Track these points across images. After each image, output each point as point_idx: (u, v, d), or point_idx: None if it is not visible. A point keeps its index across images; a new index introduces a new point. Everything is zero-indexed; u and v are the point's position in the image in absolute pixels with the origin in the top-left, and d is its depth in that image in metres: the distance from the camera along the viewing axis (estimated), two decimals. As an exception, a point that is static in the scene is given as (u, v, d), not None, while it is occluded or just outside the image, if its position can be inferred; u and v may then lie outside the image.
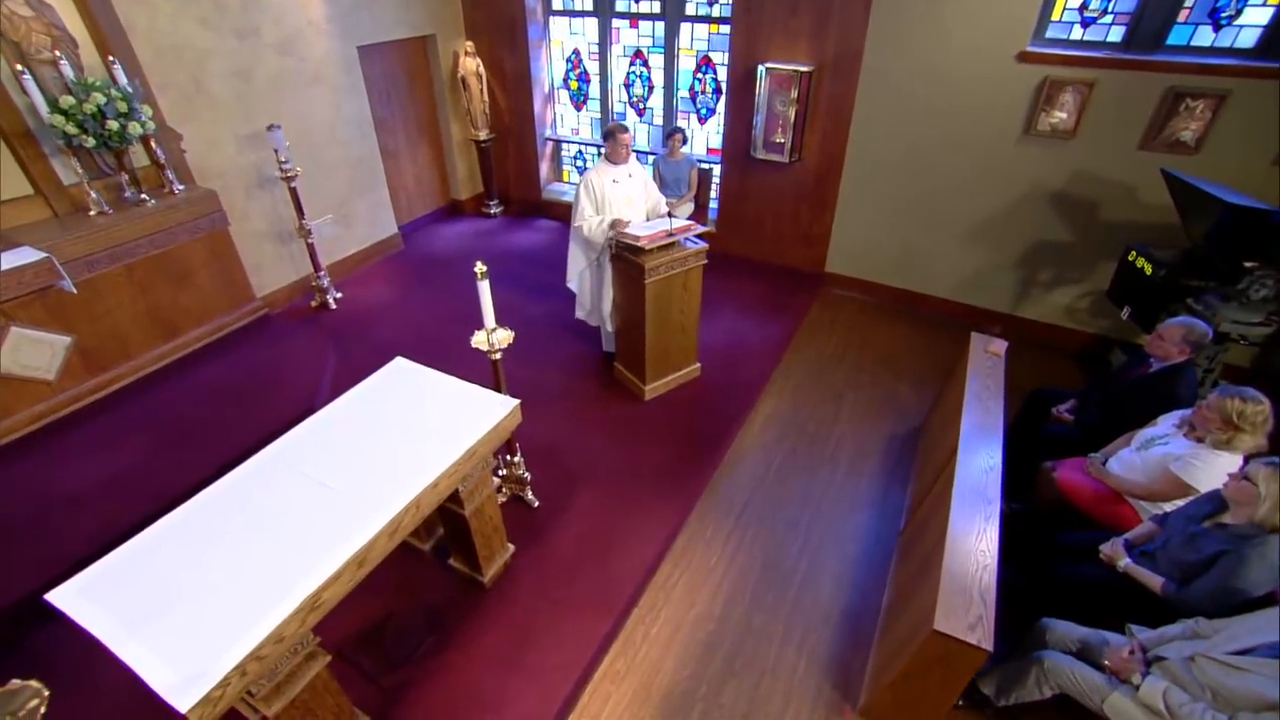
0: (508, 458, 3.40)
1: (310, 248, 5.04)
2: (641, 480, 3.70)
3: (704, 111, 6.02)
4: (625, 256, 3.87)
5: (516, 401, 2.73)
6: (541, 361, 4.69)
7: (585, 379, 4.54)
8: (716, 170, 5.95)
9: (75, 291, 3.47)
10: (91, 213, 3.74)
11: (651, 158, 5.79)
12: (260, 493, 2.30)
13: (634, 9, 5.84)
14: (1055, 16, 4.35)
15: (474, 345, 2.91)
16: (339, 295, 5.39)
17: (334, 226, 5.49)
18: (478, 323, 2.89)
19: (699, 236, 3.98)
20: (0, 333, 3.38)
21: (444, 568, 3.14)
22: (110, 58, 3.66)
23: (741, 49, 5.21)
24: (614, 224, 3.93)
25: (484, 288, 2.79)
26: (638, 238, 3.72)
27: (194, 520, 2.18)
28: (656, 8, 5.71)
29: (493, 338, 2.90)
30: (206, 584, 1.95)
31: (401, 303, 5.46)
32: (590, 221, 4.05)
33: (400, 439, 2.52)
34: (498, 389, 3.07)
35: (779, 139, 5.24)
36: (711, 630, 3.05)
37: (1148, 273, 3.91)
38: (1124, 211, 4.47)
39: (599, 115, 6.55)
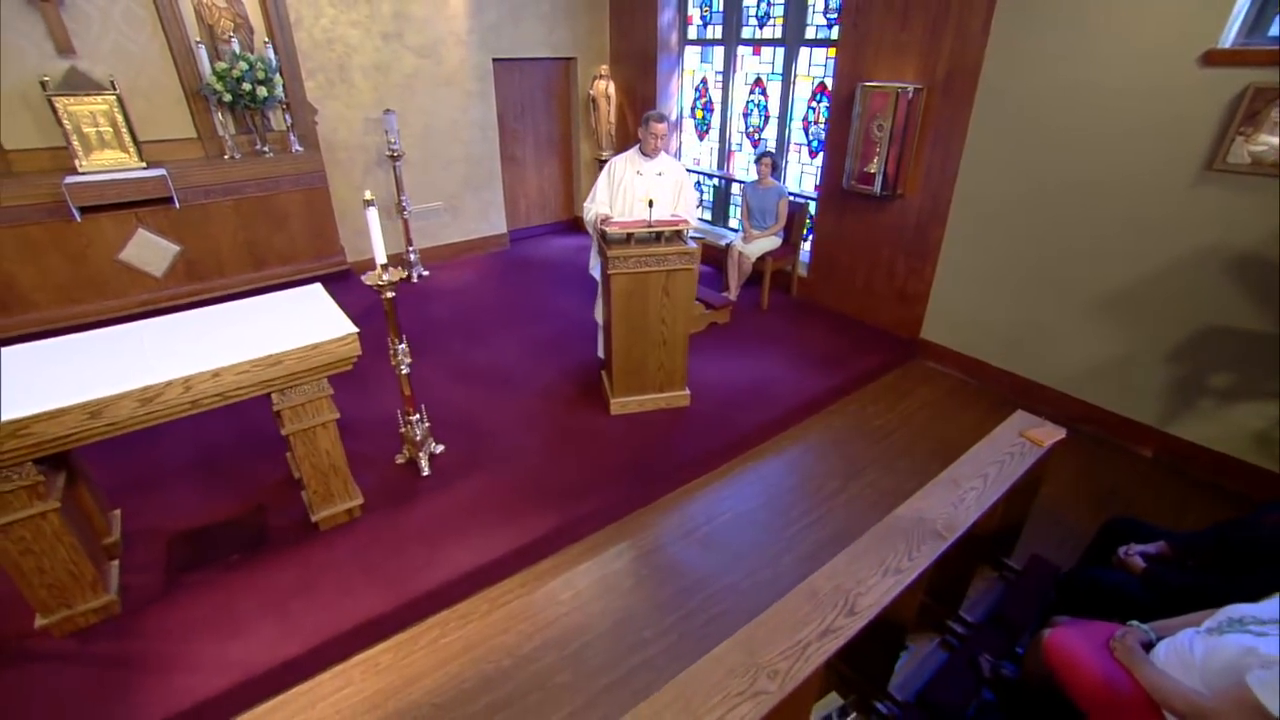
0: (408, 416, 3.26)
1: (405, 224, 5.65)
2: (544, 490, 3.22)
3: (815, 144, 5.43)
4: (603, 246, 3.56)
5: (354, 330, 2.60)
6: (553, 358, 4.50)
7: (572, 382, 4.22)
8: (813, 207, 5.28)
9: (178, 206, 4.34)
10: (225, 156, 4.68)
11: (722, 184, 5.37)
12: (109, 344, 2.50)
13: (758, 35, 5.60)
14: (1283, 11, 3.01)
15: (364, 280, 2.88)
16: (425, 273, 5.91)
17: (441, 213, 6.11)
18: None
19: (692, 238, 3.50)
20: (130, 230, 4.36)
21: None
22: (266, 40, 4.62)
23: (846, 67, 4.60)
24: (604, 219, 3.67)
25: (372, 216, 2.76)
26: (609, 219, 3.41)
27: (50, 350, 2.46)
28: (779, 33, 5.40)
29: (384, 276, 2.85)
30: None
31: (473, 290, 5.77)
32: (590, 210, 3.84)
33: (239, 335, 2.56)
34: (392, 329, 3.00)
35: (871, 169, 4.45)
36: (504, 667, 2.46)
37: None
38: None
39: (718, 145, 6.34)
